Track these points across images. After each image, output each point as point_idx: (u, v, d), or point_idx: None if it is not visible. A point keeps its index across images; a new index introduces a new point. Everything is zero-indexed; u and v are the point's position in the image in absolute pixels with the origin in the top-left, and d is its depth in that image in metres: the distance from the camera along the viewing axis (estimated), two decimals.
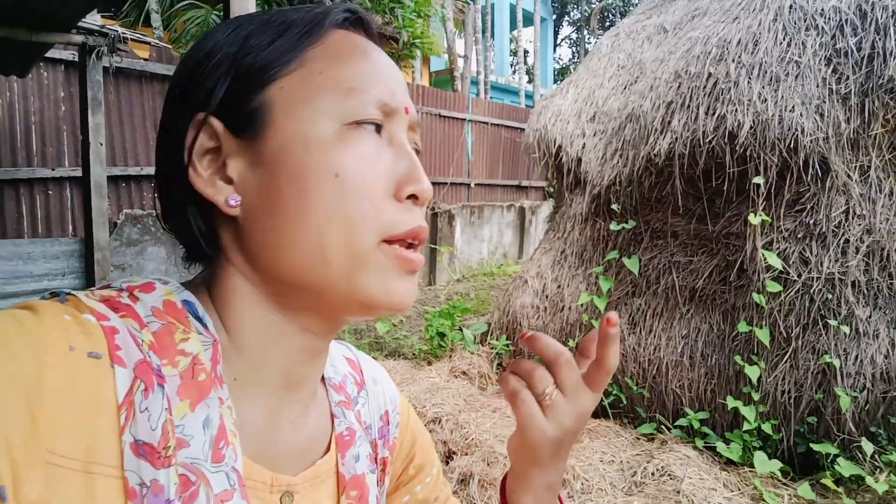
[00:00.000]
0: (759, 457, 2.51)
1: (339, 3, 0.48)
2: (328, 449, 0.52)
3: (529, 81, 14.88)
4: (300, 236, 0.42)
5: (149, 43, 4.90)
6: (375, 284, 0.43)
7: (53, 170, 4.47)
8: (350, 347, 0.65)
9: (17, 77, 3.98)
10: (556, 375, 0.51)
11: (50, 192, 4.51)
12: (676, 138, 2.90)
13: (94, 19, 3.63)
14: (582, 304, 3.47)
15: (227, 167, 0.43)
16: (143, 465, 0.36)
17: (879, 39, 2.65)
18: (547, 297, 3.81)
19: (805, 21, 2.83)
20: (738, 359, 2.76)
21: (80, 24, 3.43)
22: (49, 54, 4.07)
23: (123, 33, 3.91)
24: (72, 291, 0.39)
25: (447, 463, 2.80)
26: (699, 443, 2.76)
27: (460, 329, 4.30)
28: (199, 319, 0.43)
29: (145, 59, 4.92)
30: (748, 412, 2.62)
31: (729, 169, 2.76)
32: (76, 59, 4.08)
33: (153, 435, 0.36)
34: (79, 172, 4.41)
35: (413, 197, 0.44)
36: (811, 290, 2.67)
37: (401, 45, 6.98)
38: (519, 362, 0.54)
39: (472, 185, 8.69)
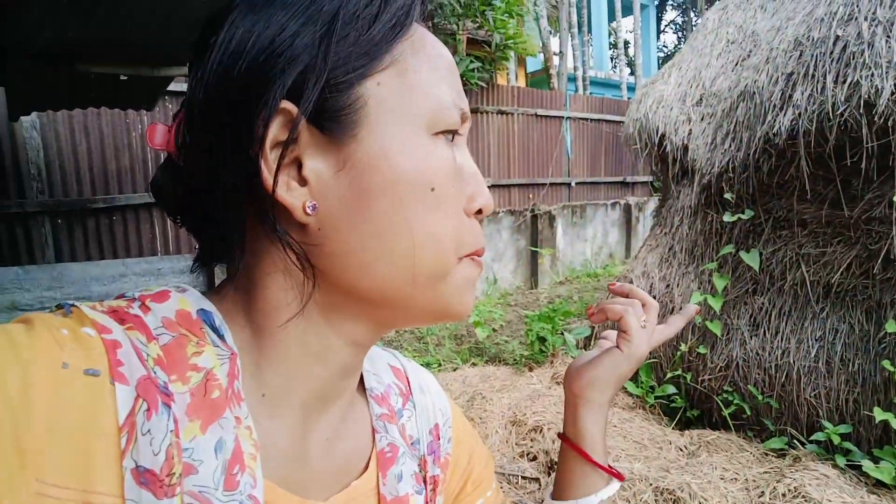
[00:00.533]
0: None
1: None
2: (367, 468, 0.47)
3: (632, 73, 14.21)
4: (391, 252, 0.39)
5: None
6: (456, 298, 0.42)
7: None
8: (396, 355, 0.60)
9: (146, 110, 4.42)
10: (647, 314, 0.63)
11: None
12: (800, 114, 2.56)
13: None
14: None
15: (303, 167, 0.38)
16: (145, 494, 0.32)
17: None
18: (655, 297, 3.54)
19: None
20: (886, 364, 2.37)
21: None
22: (172, 87, 4.48)
23: None
24: (76, 303, 0.37)
25: (549, 474, 2.67)
26: (840, 460, 2.40)
27: (562, 333, 4.13)
28: (216, 330, 0.40)
29: None
30: None
31: (867, 144, 2.38)
32: None
33: (155, 460, 0.33)
34: None
35: (478, 211, 0.43)
36: None
37: (494, 48, 6.93)
38: (622, 289, 0.66)
39: (573, 184, 8.42)
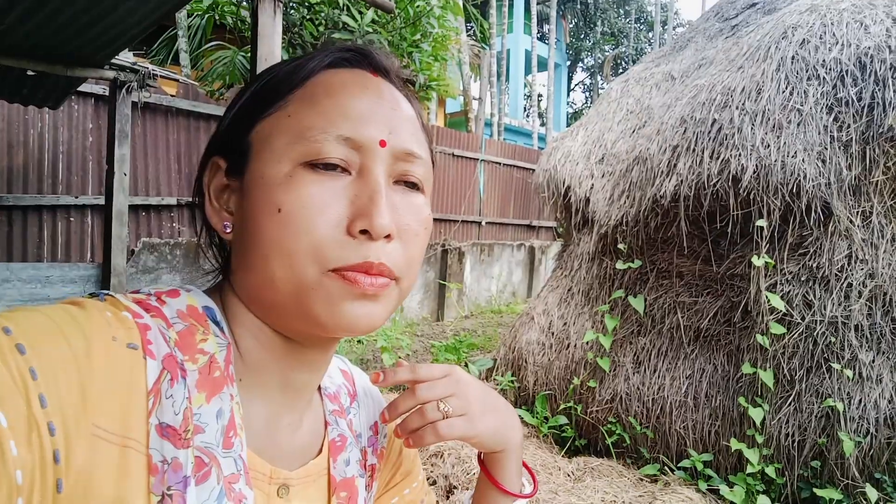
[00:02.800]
0: (763, 501, 2.48)
1: (340, 45, 0.51)
2: (320, 452, 0.57)
3: (542, 124, 15.16)
4: (254, 263, 0.47)
5: (177, 80, 5.13)
6: (322, 309, 0.45)
7: (77, 197, 4.63)
8: (345, 360, 0.70)
9: (50, 108, 4.17)
10: (435, 391, 0.58)
11: (72, 218, 4.67)
12: (682, 181, 2.97)
13: (126, 56, 3.83)
14: (587, 342, 3.48)
15: (230, 200, 0.51)
16: (166, 444, 0.40)
17: (879, 90, 2.73)
18: (553, 334, 3.83)
19: (807, 71, 2.93)
20: (742, 400, 2.75)
21: (112, 60, 3.62)
22: (81, 88, 4.27)
23: (153, 70, 4.12)
24: (109, 292, 0.45)
25: (447, 497, 2.78)
26: (702, 485, 2.73)
27: (466, 364, 4.31)
28: (217, 324, 0.49)
29: (172, 95, 5.15)
30: (752, 455, 2.60)
31: (733, 212, 2.81)
32: (106, 94, 4.28)
33: (176, 419, 0.41)
34: (101, 200, 4.57)
35: (364, 232, 0.45)
36: (815, 333, 2.68)
37: (417, 87, 7.22)
38: (397, 407, 0.58)
39: (483, 223, 8.79)
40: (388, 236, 0.46)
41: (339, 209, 0.45)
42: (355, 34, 5.77)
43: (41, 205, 4.48)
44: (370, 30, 5.87)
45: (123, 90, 3.90)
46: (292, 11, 5.80)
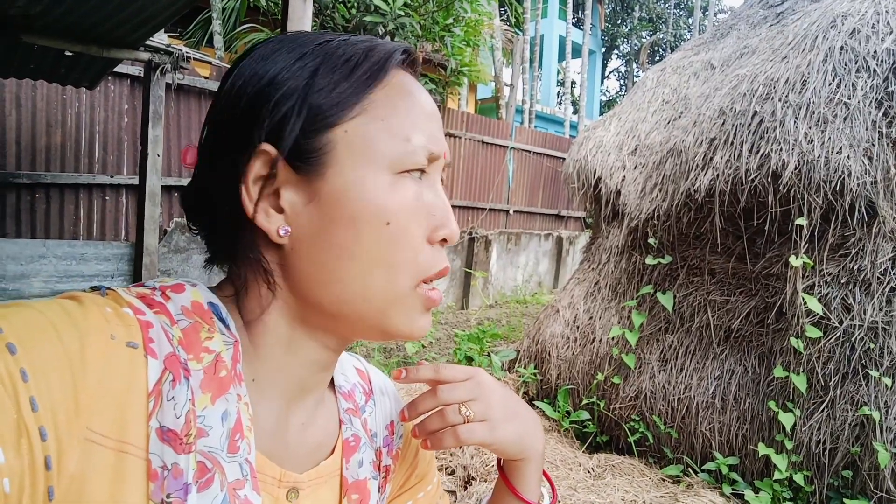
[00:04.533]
0: None
1: (396, 42, 0.49)
2: (333, 452, 0.55)
3: (575, 112, 14.90)
4: (347, 275, 0.45)
5: (210, 62, 5.18)
6: (403, 321, 0.47)
7: (112, 177, 4.73)
8: (360, 359, 0.68)
9: (87, 89, 4.25)
10: (457, 393, 0.57)
11: (107, 197, 4.77)
12: (718, 175, 2.87)
13: (160, 38, 3.87)
14: (613, 338, 3.42)
15: (280, 197, 0.45)
16: (167, 449, 0.39)
17: None
18: (578, 328, 3.77)
19: (856, 63, 2.78)
20: (772, 404, 2.67)
21: (147, 42, 3.66)
22: (117, 69, 4.34)
23: (187, 52, 4.16)
24: (111, 287, 0.43)
25: (465, 488, 2.78)
26: (727, 489, 2.66)
27: (489, 354, 4.29)
28: (223, 321, 0.46)
29: (206, 77, 5.19)
30: (780, 461, 2.52)
31: (771, 209, 2.70)
32: (141, 75, 4.34)
33: (177, 422, 0.39)
34: (135, 181, 4.66)
35: (443, 240, 0.48)
36: (852, 339, 2.57)
37: (448, 72, 7.14)
38: (416, 407, 0.57)
39: (511, 211, 8.71)
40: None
41: (425, 219, 0.47)
42: (387, 17, 5.72)
43: (77, 183, 4.59)
44: (402, 13, 5.82)
45: (157, 72, 3.95)
46: None
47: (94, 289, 0.43)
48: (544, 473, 0.66)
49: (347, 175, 0.44)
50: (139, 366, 0.39)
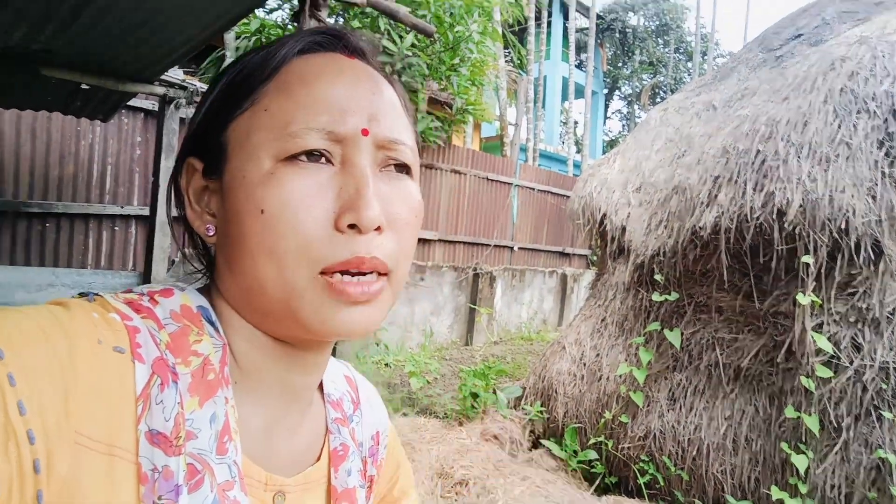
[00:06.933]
0: None
1: (311, 29, 0.49)
2: (318, 459, 0.55)
3: (578, 151, 15.11)
4: (243, 267, 0.45)
5: None
6: (311, 315, 0.43)
7: (122, 207, 4.79)
8: (349, 366, 0.68)
9: (101, 121, 4.35)
10: None
11: (116, 227, 4.83)
12: (723, 212, 2.89)
13: (175, 73, 3.98)
14: (620, 375, 3.38)
15: (211, 202, 0.49)
16: (157, 452, 0.38)
17: None
18: (584, 364, 3.74)
19: (856, 104, 2.83)
20: (784, 446, 2.62)
21: (162, 77, 3.76)
22: (130, 103, 4.45)
23: (201, 88, 4.26)
24: (99, 293, 0.43)
25: None
26: None
27: (494, 391, 4.24)
28: (213, 324, 0.47)
29: None
30: None
31: (777, 246, 2.71)
32: (154, 108, 4.44)
33: (166, 425, 0.39)
34: (145, 211, 4.72)
35: (352, 226, 0.43)
36: (864, 378, 2.54)
37: (454, 111, 7.28)
38: None
39: (516, 248, 8.74)
40: (377, 228, 0.44)
41: (326, 204, 0.43)
42: (395, 57, 5.88)
43: (88, 213, 4.65)
44: (409, 53, 5.98)
45: (171, 106, 4.04)
46: None
47: (81, 295, 0.43)
48: None
49: (234, 169, 0.45)
50: (127, 370, 0.39)
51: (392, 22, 5.68)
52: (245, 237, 0.44)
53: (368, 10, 4.31)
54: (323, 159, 0.44)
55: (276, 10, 7.67)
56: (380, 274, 0.45)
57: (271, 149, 0.43)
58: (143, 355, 0.40)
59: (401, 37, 5.87)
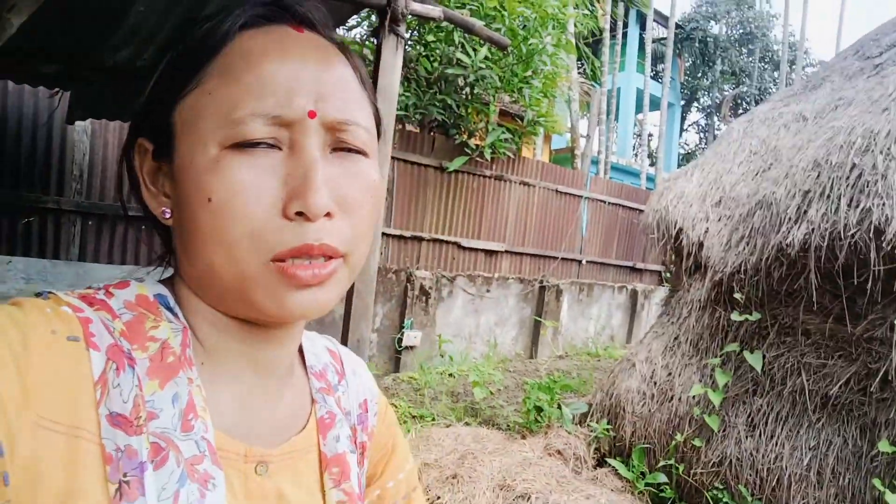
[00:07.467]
0: None
1: (254, 0, 0.47)
2: (304, 428, 0.55)
3: (652, 164, 14.67)
4: (195, 253, 0.45)
5: None
6: (265, 299, 0.44)
7: None
8: (333, 340, 0.69)
9: None
10: None
11: None
12: (813, 229, 2.72)
13: None
14: (694, 396, 3.24)
15: (165, 184, 0.48)
16: (118, 433, 0.40)
17: None
18: (655, 384, 3.61)
19: None
20: (877, 482, 2.41)
21: None
22: None
23: None
24: (52, 291, 0.45)
25: None
26: None
27: (559, 406, 4.16)
28: (171, 310, 0.48)
29: None
30: None
31: (874, 266, 2.52)
32: None
33: (125, 407, 0.41)
34: None
35: (300, 214, 0.43)
36: None
37: (525, 123, 7.26)
38: None
39: (584, 262, 8.56)
40: (327, 214, 0.44)
41: (273, 191, 0.43)
42: (468, 69, 5.94)
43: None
44: (483, 66, 6.02)
45: None
46: (408, 48, 6.09)
47: (37, 295, 0.44)
48: None
49: (183, 155, 0.45)
50: (82, 357, 0.40)
51: (466, 35, 5.76)
52: (196, 224, 0.44)
53: (444, 23, 4.40)
54: (268, 147, 0.44)
55: (355, 27, 7.95)
56: (331, 257, 0.45)
57: (216, 135, 0.43)
58: (97, 343, 0.41)
59: (475, 49, 5.93)
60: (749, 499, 2.81)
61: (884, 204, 2.51)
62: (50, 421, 0.37)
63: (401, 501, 0.67)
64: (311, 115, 0.44)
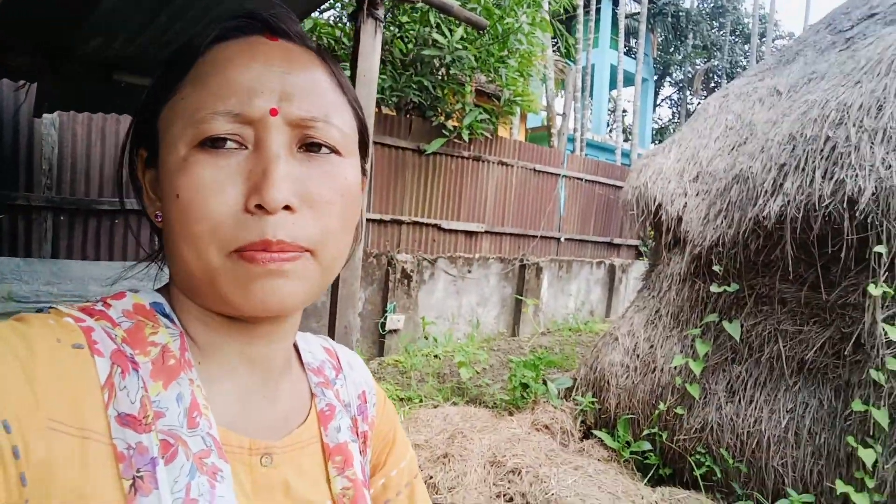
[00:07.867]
0: None
1: (231, 14, 0.50)
2: (306, 421, 0.57)
3: (626, 140, 14.80)
4: (172, 251, 0.48)
5: None
6: (231, 290, 0.46)
7: None
8: (327, 339, 0.72)
9: None
10: None
11: None
12: (789, 201, 2.80)
13: None
14: (675, 367, 3.33)
15: (157, 190, 0.51)
16: (128, 432, 0.42)
17: None
18: (638, 356, 3.70)
19: None
20: (851, 440, 2.54)
21: None
22: None
23: None
24: (53, 306, 0.47)
25: None
26: None
27: (544, 382, 4.24)
28: (167, 316, 0.50)
29: None
30: (861, 500, 2.38)
31: (847, 236, 2.62)
32: None
33: (133, 407, 0.43)
34: None
35: (259, 207, 0.44)
36: None
37: (502, 102, 7.25)
38: None
39: (563, 239, 8.66)
40: (288, 208, 0.45)
41: (236, 187, 0.45)
42: (444, 50, 5.89)
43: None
44: (459, 46, 5.98)
45: None
46: (383, 30, 6.01)
47: (38, 311, 0.46)
48: None
49: (161, 158, 0.48)
50: (88, 363, 0.42)
51: (442, 15, 5.70)
52: (170, 223, 0.46)
53: (419, 4, 4.36)
54: (233, 146, 0.45)
55: (327, 10, 7.80)
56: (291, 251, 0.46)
57: (185, 136, 0.45)
58: (101, 350, 0.43)
59: (451, 30, 5.88)
60: (730, 461, 2.92)
61: (857, 175, 2.60)
62: (60, 423, 0.38)
63: (404, 489, 0.70)
64: (273, 112, 0.46)
